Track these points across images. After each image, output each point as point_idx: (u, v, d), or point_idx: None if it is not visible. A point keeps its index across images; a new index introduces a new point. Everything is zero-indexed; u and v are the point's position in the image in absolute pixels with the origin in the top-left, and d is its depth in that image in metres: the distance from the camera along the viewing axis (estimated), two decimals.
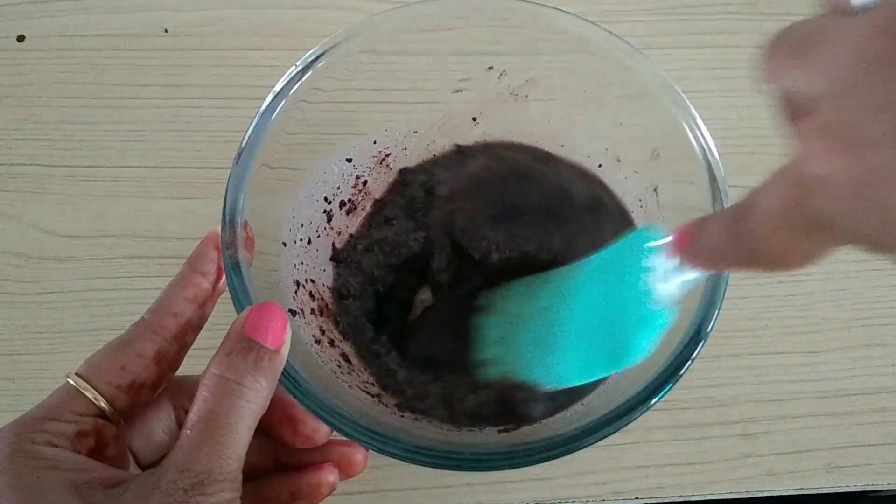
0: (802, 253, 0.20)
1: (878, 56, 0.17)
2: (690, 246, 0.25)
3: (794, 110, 0.20)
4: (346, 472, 0.31)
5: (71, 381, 0.26)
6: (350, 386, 0.34)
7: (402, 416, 0.34)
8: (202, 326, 0.29)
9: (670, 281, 0.27)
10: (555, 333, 0.31)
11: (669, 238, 0.26)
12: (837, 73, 0.18)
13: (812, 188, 0.18)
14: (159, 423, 0.29)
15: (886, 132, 0.16)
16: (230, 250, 0.29)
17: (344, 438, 0.29)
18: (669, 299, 0.27)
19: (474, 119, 0.40)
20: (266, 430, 0.30)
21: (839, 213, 0.18)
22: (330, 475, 0.30)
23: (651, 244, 0.27)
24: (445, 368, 0.36)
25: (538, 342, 0.32)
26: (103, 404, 0.26)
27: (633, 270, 0.28)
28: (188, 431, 0.24)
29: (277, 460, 0.31)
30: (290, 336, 0.27)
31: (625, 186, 0.38)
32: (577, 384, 0.32)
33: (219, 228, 0.30)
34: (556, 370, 0.31)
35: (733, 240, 0.22)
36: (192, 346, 0.29)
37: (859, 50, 0.17)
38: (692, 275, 0.26)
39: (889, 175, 0.16)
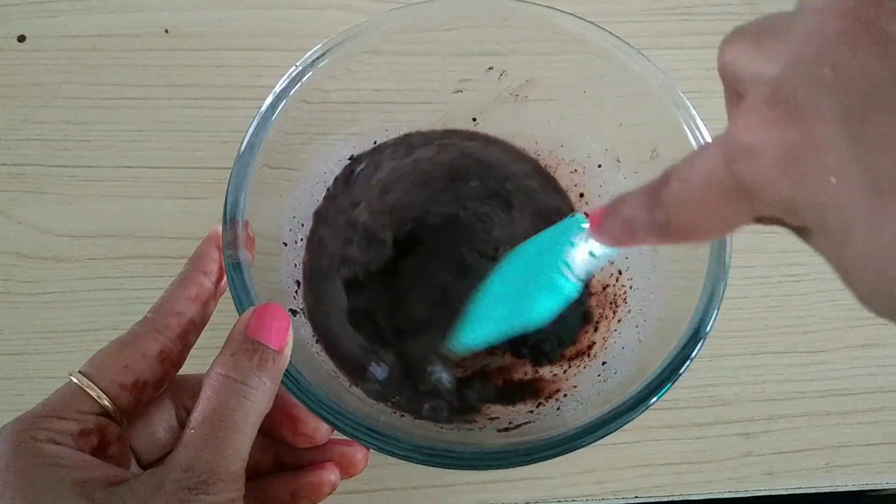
0: (716, 223, 0.20)
1: (829, 34, 0.17)
2: (603, 222, 0.25)
3: (740, 92, 0.20)
4: (346, 471, 0.31)
5: (74, 380, 0.26)
6: (350, 385, 0.34)
7: (402, 416, 0.34)
8: (204, 325, 0.29)
9: (580, 255, 0.27)
10: (477, 303, 0.31)
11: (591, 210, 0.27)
12: (789, 52, 0.18)
13: (742, 155, 0.18)
14: (160, 421, 0.29)
15: (829, 106, 0.17)
16: (231, 250, 0.29)
17: (344, 438, 0.29)
18: (578, 272, 0.28)
19: (474, 119, 0.40)
20: (267, 429, 0.30)
21: (766, 179, 0.18)
22: (331, 475, 0.30)
23: (575, 227, 0.28)
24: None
25: (466, 312, 0.32)
26: (106, 403, 0.26)
27: (552, 247, 0.28)
28: (192, 430, 0.24)
29: (278, 460, 0.31)
30: (292, 336, 0.27)
31: (624, 187, 0.38)
32: (479, 344, 0.32)
33: (220, 228, 0.30)
34: (466, 333, 0.31)
35: (647, 212, 0.22)
36: (195, 347, 0.29)
37: (813, 30, 0.18)
38: (602, 250, 0.27)
39: (827, 145, 0.17)
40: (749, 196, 0.19)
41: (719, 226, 0.20)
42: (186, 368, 0.29)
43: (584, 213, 0.29)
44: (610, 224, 0.24)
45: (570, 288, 0.28)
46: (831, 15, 0.18)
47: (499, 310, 0.30)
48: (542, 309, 0.29)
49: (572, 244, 0.27)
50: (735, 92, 0.21)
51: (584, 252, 0.27)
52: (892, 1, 0.17)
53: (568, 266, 0.28)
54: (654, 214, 0.22)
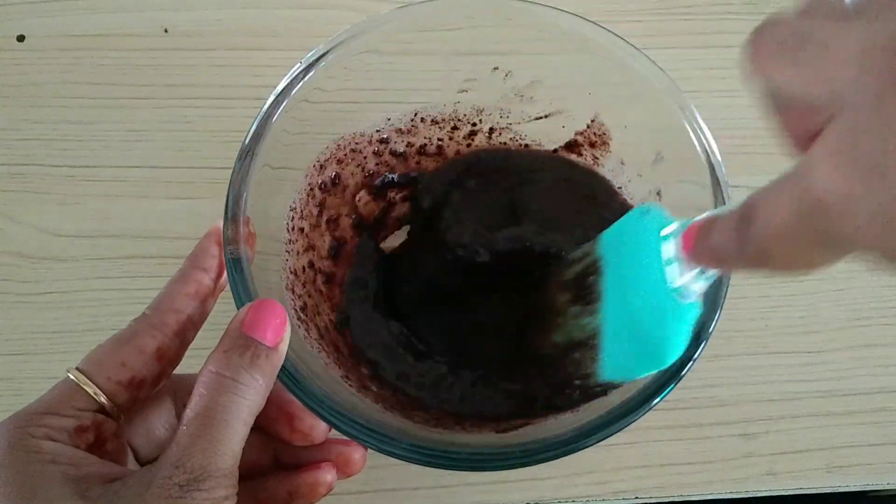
0: (810, 262, 0.20)
1: (887, 69, 0.16)
2: (698, 245, 0.25)
3: (787, 110, 0.20)
4: (344, 471, 0.31)
5: (71, 376, 0.26)
6: (349, 383, 0.34)
7: (401, 415, 0.34)
8: (203, 322, 0.29)
9: (687, 275, 0.27)
10: (608, 336, 0.30)
11: (677, 231, 0.27)
12: (843, 85, 0.17)
13: (825, 208, 0.18)
14: (159, 419, 0.29)
15: (870, 104, 0.16)
16: (232, 246, 0.29)
17: (342, 437, 0.29)
18: (691, 293, 0.28)
19: (476, 124, 0.40)
20: (263, 426, 0.30)
21: (856, 233, 0.18)
22: (327, 475, 0.30)
23: (663, 233, 0.28)
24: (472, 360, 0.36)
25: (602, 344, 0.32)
26: (103, 400, 0.26)
27: (650, 262, 0.28)
28: (184, 427, 0.24)
29: (276, 459, 0.31)
30: (289, 333, 0.27)
31: (628, 189, 0.38)
32: (621, 382, 0.31)
33: (221, 224, 0.30)
34: (605, 367, 0.31)
35: (740, 243, 0.22)
36: (194, 345, 0.29)
37: (868, 63, 0.16)
38: (707, 271, 0.27)
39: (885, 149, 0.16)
40: (840, 244, 0.19)
41: (810, 264, 0.20)
42: (187, 367, 0.29)
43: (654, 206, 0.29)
44: (701, 249, 0.25)
45: (693, 313, 0.28)
46: (882, 47, 0.16)
47: (631, 345, 0.29)
48: (679, 341, 0.29)
49: (667, 259, 0.27)
50: (777, 102, 0.20)
51: (685, 270, 0.27)
52: None
53: (676, 285, 0.27)
54: (743, 247, 0.22)
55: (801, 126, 0.19)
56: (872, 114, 0.16)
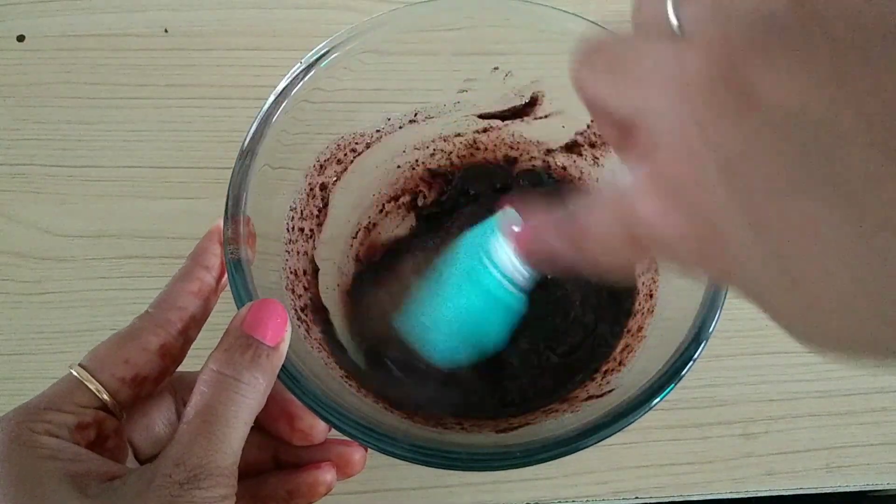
0: (622, 261, 0.22)
1: (692, 84, 0.16)
2: (529, 247, 0.27)
3: (608, 122, 0.21)
4: (344, 471, 0.31)
5: (74, 373, 0.26)
6: (349, 383, 0.34)
7: (401, 415, 0.34)
8: (205, 320, 0.29)
9: (517, 269, 0.28)
10: (430, 314, 0.31)
11: (516, 230, 0.28)
12: (655, 105, 0.17)
13: (641, 224, 0.19)
14: (160, 416, 0.29)
15: (713, 183, 0.16)
16: (232, 246, 0.29)
17: (343, 438, 0.29)
18: (519, 286, 0.29)
19: (483, 131, 0.40)
20: (263, 425, 0.30)
21: (671, 255, 0.19)
22: (327, 474, 0.30)
23: (503, 230, 0.29)
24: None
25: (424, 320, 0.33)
26: (105, 397, 0.26)
27: (488, 255, 0.29)
28: (185, 426, 0.24)
29: (276, 458, 0.31)
30: (289, 333, 0.27)
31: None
32: (443, 366, 0.32)
33: (221, 223, 0.30)
34: (432, 350, 0.32)
35: (567, 248, 0.23)
36: (194, 345, 0.29)
37: (678, 87, 0.16)
38: (529, 268, 0.28)
39: (722, 229, 0.17)
40: (651, 251, 0.21)
41: (626, 262, 0.23)
42: (187, 367, 0.29)
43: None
44: (533, 251, 0.27)
45: (517, 304, 0.29)
46: (690, 53, 0.16)
47: (455, 330, 0.30)
48: (498, 331, 0.29)
49: (504, 253, 0.28)
50: (607, 118, 0.21)
51: (517, 265, 0.28)
52: (760, 50, 0.15)
53: (508, 280, 0.28)
54: (569, 251, 0.23)
55: (621, 138, 0.20)
56: (681, 144, 0.17)
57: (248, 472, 0.30)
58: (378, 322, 0.36)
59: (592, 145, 0.39)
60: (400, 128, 0.39)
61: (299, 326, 0.33)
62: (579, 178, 0.41)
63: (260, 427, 0.30)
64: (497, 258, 0.29)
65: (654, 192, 0.18)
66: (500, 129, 0.41)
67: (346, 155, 0.38)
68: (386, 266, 0.40)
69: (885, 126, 0.14)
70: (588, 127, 0.39)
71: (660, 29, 0.18)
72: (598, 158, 0.39)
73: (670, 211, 0.18)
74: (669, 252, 0.19)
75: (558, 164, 0.41)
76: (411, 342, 0.32)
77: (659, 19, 0.18)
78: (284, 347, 0.27)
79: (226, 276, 0.30)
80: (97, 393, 0.26)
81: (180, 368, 0.29)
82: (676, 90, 0.17)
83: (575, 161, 0.40)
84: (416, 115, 0.39)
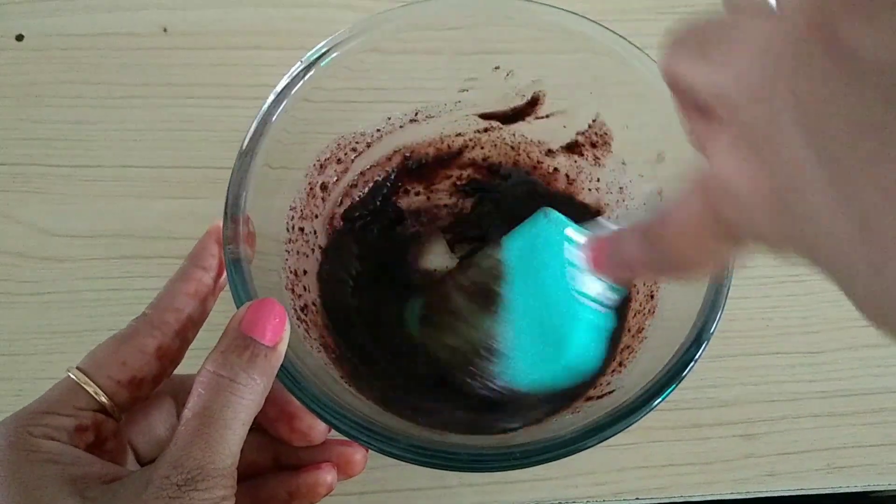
0: (716, 258, 0.21)
1: (782, 49, 0.16)
2: (606, 261, 0.27)
3: (699, 111, 0.20)
4: (344, 471, 0.31)
5: (72, 376, 0.26)
6: (347, 384, 0.34)
7: (400, 415, 0.34)
8: (203, 321, 0.29)
9: (596, 287, 0.28)
10: (515, 348, 0.31)
11: (584, 244, 0.28)
12: (742, 74, 0.17)
13: (725, 199, 0.18)
14: (160, 418, 0.29)
15: (798, 142, 0.16)
16: (231, 245, 0.29)
17: (343, 438, 0.29)
18: (602, 304, 0.29)
19: (484, 130, 0.40)
20: (263, 425, 0.30)
21: (752, 223, 0.18)
22: (327, 475, 0.30)
23: (569, 245, 0.29)
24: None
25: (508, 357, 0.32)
26: (104, 399, 0.26)
27: (558, 271, 0.29)
28: (183, 427, 0.24)
29: (276, 459, 0.31)
30: (288, 333, 0.27)
31: (630, 190, 0.38)
32: (528, 390, 0.32)
33: (220, 223, 0.30)
34: (514, 375, 0.31)
35: (644, 252, 0.23)
36: (193, 345, 0.29)
37: (765, 41, 0.16)
38: (614, 285, 0.28)
39: (805, 188, 0.16)
40: (739, 237, 0.19)
41: (715, 262, 0.22)
42: (187, 368, 0.29)
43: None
44: (610, 264, 0.26)
45: (607, 323, 0.28)
46: (784, 22, 0.16)
47: (539, 355, 0.30)
48: (593, 357, 0.29)
49: (576, 266, 0.28)
50: (691, 103, 0.20)
51: (594, 284, 0.28)
52: (854, 8, 0.14)
53: (591, 298, 0.28)
54: (650, 255, 0.23)
55: (704, 123, 0.20)
56: (765, 100, 0.16)
57: (249, 474, 0.30)
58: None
59: (594, 145, 0.39)
60: (400, 127, 0.39)
61: (299, 326, 0.33)
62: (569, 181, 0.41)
63: (259, 428, 0.30)
64: (583, 286, 0.28)
65: (733, 154, 0.17)
66: (500, 128, 0.40)
67: (346, 154, 0.38)
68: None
69: None
70: (589, 127, 0.39)
71: (754, 8, 0.17)
72: (599, 158, 0.39)
73: (750, 166, 0.17)
74: (749, 220, 0.18)
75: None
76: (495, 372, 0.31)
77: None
78: (283, 347, 0.27)
79: (224, 276, 0.30)
80: (95, 395, 0.26)
81: (180, 370, 0.29)
82: (765, 55, 0.16)
83: (576, 161, 0.40)
84: (416, 114, 0.39)
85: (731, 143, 0.18)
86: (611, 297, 0.28)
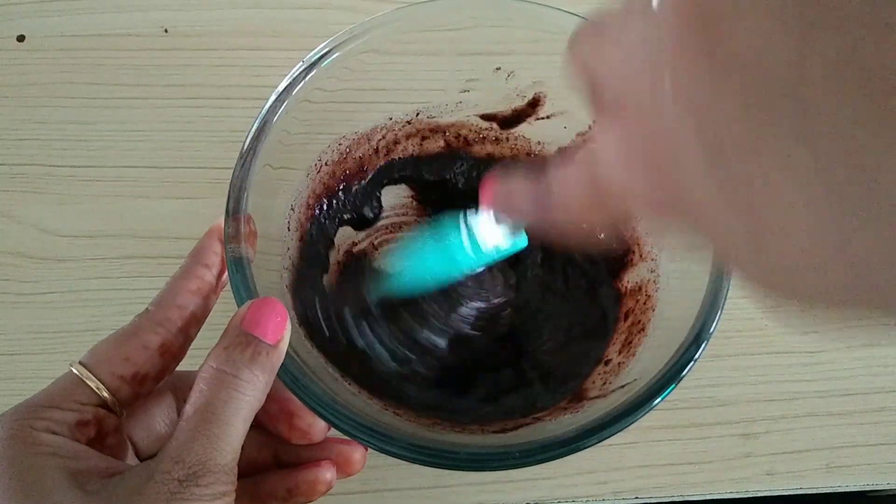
0: (597, 220, 0.22)
1: (675, 51, 0.16)
2: (496, 199, 0.27)
3: (594, 92, 0.20)
4: (344, 470, 0.31)
5: (74, 370, 0.26)
6: (348, 382, 0.34)
7: (400, 415, 0.34)
8: (206, 318, 0.29)
9: (494, 234, 0.30)
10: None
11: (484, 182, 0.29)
12: (629, 58, 0.18)
13: (608, 191, 0.19)
14: (161, 415, 0.29)
15: (682, 132, 0.16)
16: (232, 245, 0.29)
17: (343, 437, 0.29)
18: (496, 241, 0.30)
19: (485, 128, 0.40)
20: (263, 423, 0.30)
21: (618, 179, 0.19)
22: (327, 472, 0.30)
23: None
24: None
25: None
26: (105, 394, 0.26)
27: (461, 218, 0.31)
28: (184, 423, 0.24)
29: (277, 457, 0.31)
30: (289, 331, 0.27)
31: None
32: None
33: (222, 221, 0.30)
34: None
35: (534, 200, 0.24)
36: (194, 344, 0.29)
37: (655, 44, 0.17)
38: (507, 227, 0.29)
39: (687, 178, 0.16)
40: (617, 208, 0.21)
41: (601, 222, 0.23)
42: (188, 366, 0.29)
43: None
44: (500, 202, 0.27)
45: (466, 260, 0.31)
46: (664, 14, 0.16)
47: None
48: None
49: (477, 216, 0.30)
50: (591, 87, 0.21)
51: (492, 224, 0.29)
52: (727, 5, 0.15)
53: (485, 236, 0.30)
54: (536, 203, 0.24)
55: (597, 104, 0.20)
56: (647, 95, 0.17)
57: (248, 471, 0.30)
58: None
59: None
60: (401, 128, 0.39)
61: (300, 326, 0.33)
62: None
63: (259, 425, 0.30)
64: (468, 220, 0.30)
65: (620, 148, 0.18)
66: (501, 129, 0.41)
67: (346, 154, 0.38)
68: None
69: (849, 71, 0.13)
70: (589, 128, 0.39)
71: (642, 3, 0.18)
72: None
73: (635, 163, 0.18)
74: (628, 186, 0.19)
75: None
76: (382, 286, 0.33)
77: None
78: (284, 345, 0.27)
79: (226, 274, 0.30)
80: (97, 390, 0.26)
81: (181, 367, 0.29)
82: (647, 47, 0.17)
83: None
84: (417, 115, 0.39)
85: (619, 138, 0.19)
86: (503, 243, 0.30)
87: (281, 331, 0.26)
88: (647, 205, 0.19)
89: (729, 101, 0.15)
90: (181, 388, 0.29)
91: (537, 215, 0.24)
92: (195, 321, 0.28)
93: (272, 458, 0.31)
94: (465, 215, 0.30)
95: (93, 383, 0.26)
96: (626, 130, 0.18)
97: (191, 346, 0.29)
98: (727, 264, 0.18)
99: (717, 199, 0.16)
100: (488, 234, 0.30)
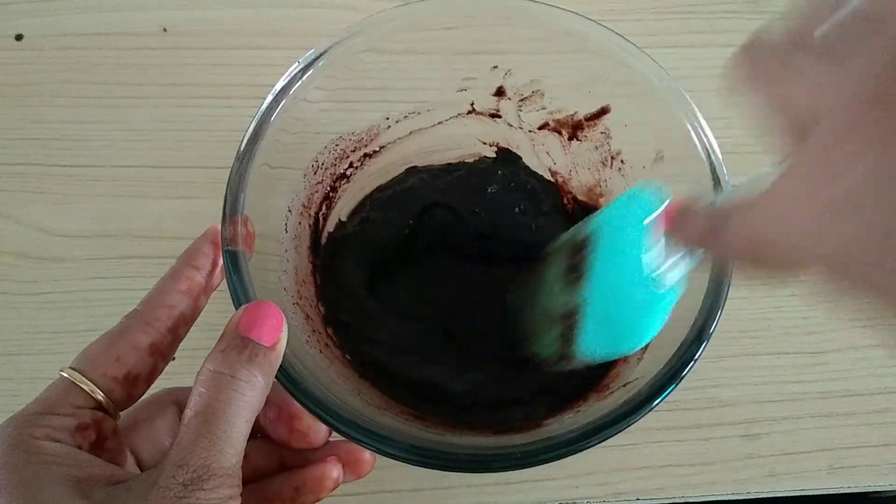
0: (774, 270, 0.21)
1: (875, 114, 0.16)
2: (676, 223, 0.27)
3: (792, 121, 0.20)
4: (353, 470, 0.30)
5: (65, 374, 0.26)
6: (347, 385, 0.34)
7: (399, 416, 0.34)
8: (195, 320, 0.29)
9: (668, 256, 0.28)
10: (586, 312, 0.31)
11: (659, 212, 0.28)
12: (816, 112, 0.17)
13: (781, 245, 0.19)
14: (164, 427, 0.29)
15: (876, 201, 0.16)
16: (229, 247, 0.29)
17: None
18: (671, 276, 0.28)
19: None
20: (263, 429, 0.30)
21: (803, 259, 0.18)
22: (333, 469, 0.30)
23: (646, 221, 0.28)
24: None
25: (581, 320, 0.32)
26: (100, 396, 0.26)
27: (633, 247, 0.29)
28: (185, 427, 0.24)
29: (283, 465, 0.31)
30: (286, 334, 0.27)
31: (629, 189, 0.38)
32: (597, 360, 0.32)
33: (219, 225, 0.30)
34: (580, 346, 0.31)
35: (712, 237, 0.23)
36: (194, 346, 0.29)
37: (842, 100, 0.16)
38: (686, 254, 0.28)
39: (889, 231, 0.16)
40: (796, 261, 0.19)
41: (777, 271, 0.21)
42: (187, 370, 0.29)
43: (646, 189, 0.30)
44: (678, 228, 0.26)
45: (673, 297, 0.29)
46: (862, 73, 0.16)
47: (608, 324, 0.30)
48: (654, 327, 0.29)
49: (651, 240, 0.28)
50: (782, 114, 0.20)
51: (667, 251, 0.28)
52: None
53: (657, 268, 0.28)
54: (714, 241, 0.23)
55: (792, 134, 0.20)
56: (839, 149, 0.16)
57: (255, 477, 0.30)
58: None
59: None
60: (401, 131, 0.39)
61: (298, 326, 0.33)
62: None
63: (259, 429, 0.30)
64: (657, 259, 0.28)
65: (800, 203, 0.17)
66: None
67: (345, 154, 0.38)
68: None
69: None
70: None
71: (801, 41, 0.18)
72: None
73: (834, 214, 0.17)
74: (831, 264, 0.18)
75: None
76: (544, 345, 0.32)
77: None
78: (281, 347, 0.26)
79: (217, 275, 0.30)
80: (91, 393, 0.26)
81: (183, 381, 0.29)
82: (848, 95, 0.16)
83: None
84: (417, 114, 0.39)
85: (806, 184, 0.18)
86: (680, 267, 0.28)
87: (277, 333, 0.26)
88: (832, 263, 0.18)
89: None
90: (184, 401, 0.29)
91: (710, 247, 0.24)
92: (184, 321, 0.28)
93: (278, 466, 0.31)
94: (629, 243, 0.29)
95: (86, 386, 0.26)
96: (814, 179, 0.17)
97: (190, 350, 0.29)
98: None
99: None
100: (666, 261, 0.28)
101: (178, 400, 0.30)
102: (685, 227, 0.26)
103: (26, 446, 0.24)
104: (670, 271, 0.28)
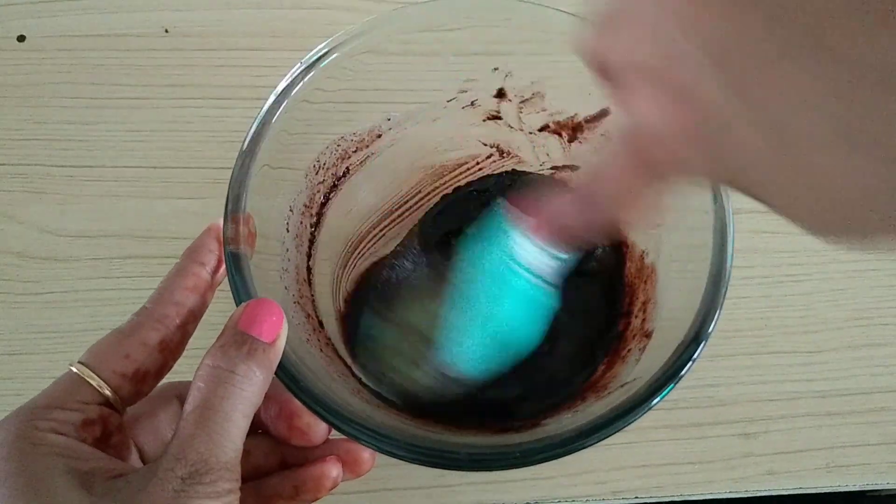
0: (650, 200, 0.23)
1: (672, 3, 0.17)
2: (548, 227, 0.28)
3: (615, 80, 0.21)
4: (353, 469, 0.30)
5: (75, 370, 0.26)
6: (347, 383, 0.34)
7: (399, 414, 0.34)
8: (202, 316, 0.29)
9: (541, 261, 0.28)
10: (457, 323, 0.31)
11: (524, 219, 0.28)
12: (647, 31, 0.18)
13: (654, 143, 0.20)
14: (167, 420, 0.29)
15: (704, 75, 0.17)
16: (231, 246, 0.29)
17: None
18: (549, 278, 0.29)
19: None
20: (263, 425, 0.30)
21: (683, 159, 0.19)
22: (333, 468, 0.30)
23: (510, 224, 0.29)
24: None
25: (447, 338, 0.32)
26: (108, 392, 0.26)
27: (504, 253, 0.29)
28: (184, 421, 0.24)
29: (284, 463, 0.31)
30: (285, 331, 0.27)
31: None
32: (477, 375, 0.32)
33: (220, 221, 0.30)
34: (460, 360, 0.31)
35: (586, 212, 0.24)
36: (195, 346, 0.29)
37: (658, 3, 0.17)
38: (557, 253, 0.28)
39: (719, 116, 0.17)
40: (668, 175, 0.21)
41: (651, 204, 0.23)
42: (187, 369, 0.29)
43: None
44: (552, 230, 0.27)
45: (547, 300, 0.29)
46: None
47: (484, 335, 0.30)
48: (534, 333, 0.29)
49: (520, 248, 0.28)
50: (613, 83, 0.21)
51: (538, 255, 0.28)
52: None
53: (533, 274, 0.28)
54: (589, 213, 0.24)
55: (621, 90, 0.21)
56: (656, 42, 0.18)
57: (255, 475, 0.30)
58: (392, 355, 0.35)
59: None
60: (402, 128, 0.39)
61: (298, 325, 0.33)
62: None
63: (260, 425, 0.30)
64: (521, 256, 0.28)
65: (655, 103, 0.19)
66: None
67: (346, 155, 0.38)
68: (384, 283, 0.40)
69: None
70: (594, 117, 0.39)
71: None
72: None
73: (667, 105, 0.18)
74: (680, 156, 0.19)
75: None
76: (440, 362, 0.32)
77: None
78: (281, 344, 0.27)
79: (221, 271, 0.30)
80: (99, 389, 0.26)
81: (185, 376, 0.29)
82: (661, 14, 0.17)
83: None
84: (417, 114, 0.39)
85: (651, 94, 0.19)
86: (553, 266, 0.29)
87: (277, 330, 0.26)
88: (699, 166, 0.19)
89: (745, 23, 0.15)
90: (185, 394, 0.29)
91: (590, 223, 0.25)
92: (193, 318, 0.29)
93: (278, 464, 0.31)
94: (503, 252, 0.29)
95: (94, 382, 0.26)
96: (665, 100, 0.18)
97: (191, 350, 0.29)
98: (774, 210, 0.18)
99: (753, 135, 0.16)
100: (539, 260, 0.28)
101: (180, 394, 0.30)
102: (559, 222, 0.27)
103: (31, 438, 0.24)
104: (542, 269, 0.29)
